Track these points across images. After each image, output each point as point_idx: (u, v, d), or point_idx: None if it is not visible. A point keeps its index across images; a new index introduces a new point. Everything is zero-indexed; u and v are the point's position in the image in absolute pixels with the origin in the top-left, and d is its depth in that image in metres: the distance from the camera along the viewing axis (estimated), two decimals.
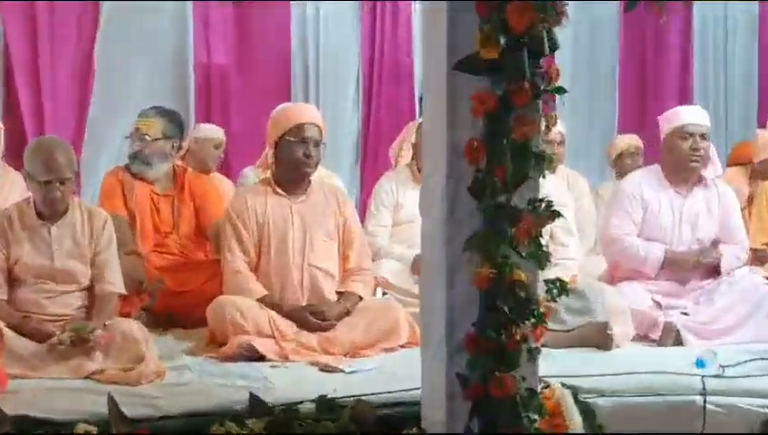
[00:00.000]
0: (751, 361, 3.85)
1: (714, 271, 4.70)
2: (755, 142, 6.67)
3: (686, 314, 4.48)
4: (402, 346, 4.16)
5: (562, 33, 8.52)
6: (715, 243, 4.71)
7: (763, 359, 3.89)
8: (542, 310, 2.89)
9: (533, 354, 2.89)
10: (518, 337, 2.84)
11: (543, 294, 2.92)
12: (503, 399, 2.84)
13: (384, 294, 4.92)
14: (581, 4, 7.81)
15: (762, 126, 6.88)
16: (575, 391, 3.36)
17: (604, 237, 4.91)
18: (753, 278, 4.63)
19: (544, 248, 2.88)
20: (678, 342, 4.32)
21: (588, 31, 8.12)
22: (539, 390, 3.22)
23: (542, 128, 2.87)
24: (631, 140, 6.70)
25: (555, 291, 2.93)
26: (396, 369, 3.71)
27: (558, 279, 2.92)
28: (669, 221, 4.73)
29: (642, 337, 4.43)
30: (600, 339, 4.13)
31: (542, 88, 2.82)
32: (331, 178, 5.72)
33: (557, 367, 3.52)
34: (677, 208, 4.75)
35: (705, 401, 3.41)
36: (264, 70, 7.17)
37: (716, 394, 3.45)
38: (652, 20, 8.53)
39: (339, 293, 4.32)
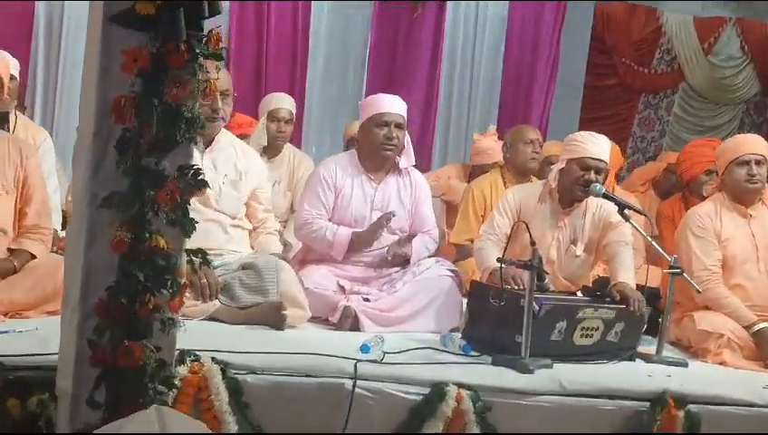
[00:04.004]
0: (414, 349, 3.90)
1: (404, 260, 4.73)
2: (473, 146, 6.89)
3: (367, 299, 4.49)
4: None
5: (319, 21, 8.45)
6: (410, 237, 4.74)
7: (426, 348, 3.96)
8: (182, 281, 2.82)
9: (168, 325, 2.81)
10: (151, 306, 2.75)
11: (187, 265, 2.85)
12: (130, 368, 2.75)
13: None
14: None
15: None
16: (225, 367, 3.29)
17: (296, 220, 4.87)
18: (438, 269, 4.67)
19: (191, 216, 2.80)
20: (356, 327, 4.34)
21: (343, 20, 8.16)
22: (179, 363, 3.17)
23: (199, 92, 2.79)
24: None
25: (197, 262, 2.86)
26: (51, 332, 3.52)
27: (200, 250, 2.85)
28: (361, 207, 4.74)
29: (324, 320, 4.44)
30: (274, 318, 4.08)
31: (198, 52, 2.74)
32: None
33: (214, 341, 3.46)
34: (369, 195, 4.76)
35: (354, 385, 3.40)
36: None
37: (368, 379, 3.43)
38: (406, 15, 8.68)
39: (11, 250, 4.08)
